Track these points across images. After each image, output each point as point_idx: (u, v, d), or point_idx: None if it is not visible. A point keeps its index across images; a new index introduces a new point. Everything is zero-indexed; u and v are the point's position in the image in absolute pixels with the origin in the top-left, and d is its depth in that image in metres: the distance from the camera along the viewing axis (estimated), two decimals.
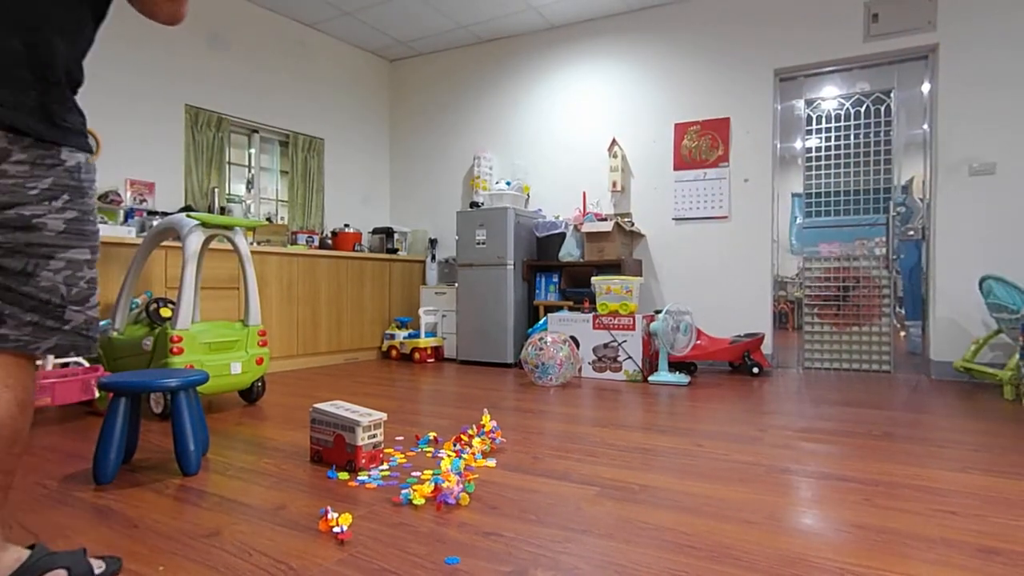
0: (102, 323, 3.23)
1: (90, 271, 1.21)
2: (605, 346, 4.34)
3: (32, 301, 1.12)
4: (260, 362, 3.20)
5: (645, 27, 5.21)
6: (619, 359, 4.29)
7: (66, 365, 2.99)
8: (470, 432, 2.46)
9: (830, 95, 4.72)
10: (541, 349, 3.97)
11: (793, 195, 5.94)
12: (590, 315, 4.41)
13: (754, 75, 4.79)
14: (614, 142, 5.23)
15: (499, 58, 5.91)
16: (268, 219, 5.39)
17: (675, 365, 4.60)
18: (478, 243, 5.08)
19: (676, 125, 5.06)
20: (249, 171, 5.39)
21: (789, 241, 6.25)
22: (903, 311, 5.21)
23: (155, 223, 4.05)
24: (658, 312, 4.31)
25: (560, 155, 5.58)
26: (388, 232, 5.82)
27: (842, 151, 4.67)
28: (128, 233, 3.82)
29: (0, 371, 1.11)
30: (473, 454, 2.24)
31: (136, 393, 2.10)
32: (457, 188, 6.13)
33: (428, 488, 1.80)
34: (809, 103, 4.76)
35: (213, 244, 4.13)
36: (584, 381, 4.20)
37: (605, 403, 3.38)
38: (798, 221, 5.16)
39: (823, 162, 4.73)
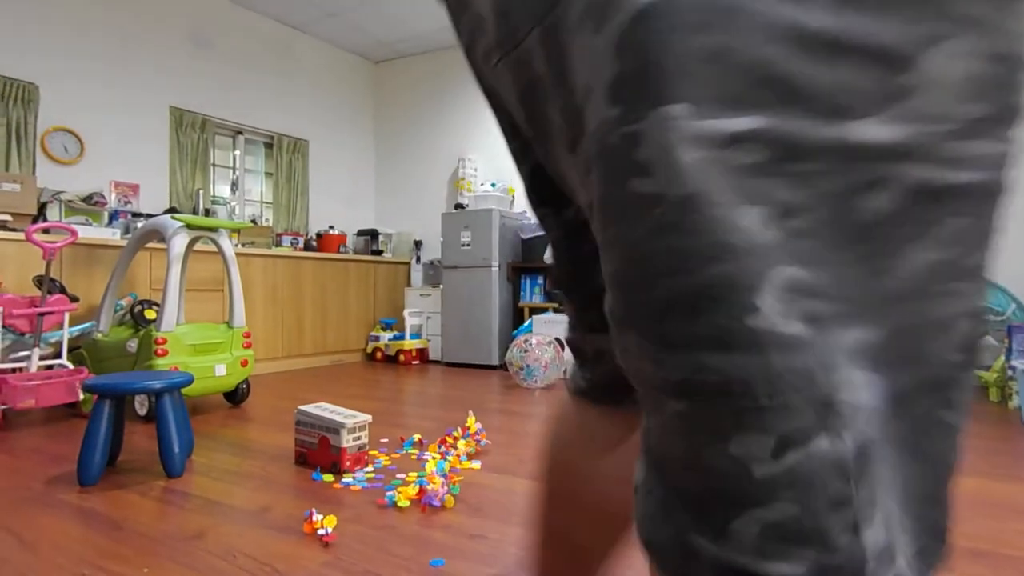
0: (85, 325, 3.21)
1: None
2: None
3: None
4: (245, 364, 3.19)
5: None
6: None
7: (50, 367, 2.96)
8: (455, 434, 2.48)
9: None
10: (526, 351, 4.00)
11: None
12: None
13: None
14: None
15: None
16: (253, 221, 5.37)
17: None
18: (463, 245, 5.09)
19: None
20: (234, 173, 5.37)
21: None
22: None
23: (140, 225, 4.03)
24: None
25: None
26: (373, 234, 5.81)
27: None
28: (112, 235, 3.79)
29: None
30: (458, 456, 2.26)
31: (120, 395, 2.09)
32: (442, 190, 6.14)
33: (413, 490, 1.82)
34: None
35: (198, 246, 4.11)
36: None
37: None
38: None
39: None
